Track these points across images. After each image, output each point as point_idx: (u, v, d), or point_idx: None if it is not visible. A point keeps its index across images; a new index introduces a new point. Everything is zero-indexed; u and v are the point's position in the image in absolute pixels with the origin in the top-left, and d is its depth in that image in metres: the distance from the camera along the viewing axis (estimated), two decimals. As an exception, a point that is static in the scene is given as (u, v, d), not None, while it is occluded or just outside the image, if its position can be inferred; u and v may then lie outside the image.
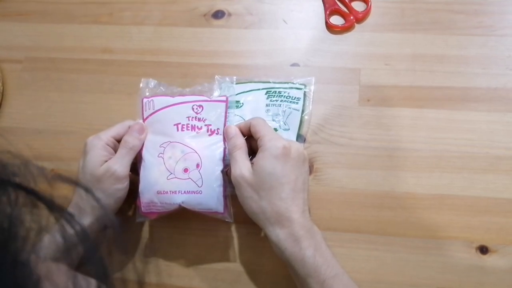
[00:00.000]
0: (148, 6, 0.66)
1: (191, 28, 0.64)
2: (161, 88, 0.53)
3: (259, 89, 0.57)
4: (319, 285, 0.41)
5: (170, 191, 0.48)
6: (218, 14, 0.64)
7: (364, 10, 0.61)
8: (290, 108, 0.55)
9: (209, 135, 0.50)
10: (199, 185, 0.48)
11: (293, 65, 0.60)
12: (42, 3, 0.68)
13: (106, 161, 0.47)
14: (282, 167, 0.43)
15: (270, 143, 0.44)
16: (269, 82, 0.58)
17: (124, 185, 0.47)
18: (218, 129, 0.50)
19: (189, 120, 0.49)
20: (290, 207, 0.43)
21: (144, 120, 0.51)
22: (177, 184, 0.48)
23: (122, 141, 0.48)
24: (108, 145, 0.48)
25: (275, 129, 0.54)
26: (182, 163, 0.48)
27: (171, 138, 0.49)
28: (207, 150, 0.49)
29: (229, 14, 0.64)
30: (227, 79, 0.58)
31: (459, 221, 0.50)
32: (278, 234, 0.42)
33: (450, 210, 0.51)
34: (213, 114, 0.50)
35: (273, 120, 0.55)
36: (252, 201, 0.44)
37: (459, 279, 0.48)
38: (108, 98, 0.60)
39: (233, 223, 0.53)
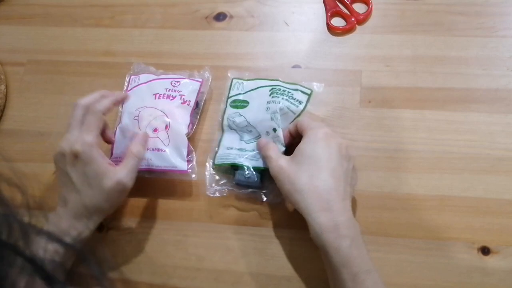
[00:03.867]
0: (149, 9, 0.66)
1: (192, 31, 0.64)
2: (149, 69, 0.60)
3: (265, 86, 0.56)
4: (351, 277, 0.41)
5: None
6: (220, 17, 0.65)
7: (365, 12, 0.61)
8: (289, 109, 0.53)
9: (181, 103, 0.56)
10: (166, 144, 0.53)
11: (295, 67, 0.60)
12: (44, 7, 0.68)
13: (105, 169, 0.46)
14: (322, 151, 0.45)
15: (311, 131, 0.47)
16: (278, 80, 0.56)
17: (127, 192, 0.48)
18: (189, 101, 0.56)
19: (166, 91, 0.56)
20: (330, 191, 0.43)
21: (127, 91, 0.58)
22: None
23: (129, 152, 0.48)
24: (98, 145, 0.47)
25: (274, 129, 0.52)
26: (152, 124, 0.54)
27: (147, 104, 0.55)
28: (177, 115, 0.55)
29: (231, 17, 0.65)
30: (240, 74, 0.58)
31: (460, 222, 0.50)
32: (318, 217, 0.42)
33: (451, 211, 0.51)
34: (188, 88, 0.57)
35: (271, 119, 0.53)
36: (291, 185, 0.44)
37: (460, 280, 0.48)
38: (110, 100, 0.60)
39: (235, 225, 0.53)
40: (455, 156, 0.53)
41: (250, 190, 0.52)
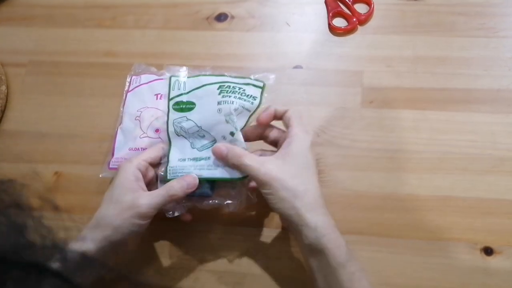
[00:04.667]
0: (151, 10, 0.67)
1: (194, 32, 0.64)
2: (150, 70, 0.59)
3: (211, 84, 0.49)
4: (349, 277, 0.40)
5: (141, 147, 0.52)
6: (221, 17, 0.65)
7: (366, 12, 0.62)
8: (243, 107, 0.47)
9: None
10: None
11: (296, 67, 0.60)
12: (46, 8, 0.68)
13: (133, 187, 0.45)
14: (312, 158, 0.45)
15: (302, 134, 0.45)
16: (224, 76, 0.49)
17: (143, 222, 0.44)
18: None
19: None
20: (321, 196, 0.43)
21: (128, 91, 0.57)
22: (147, 142, 0.52)
23: (169, 184, 0.45)
24: (139, 169, 0.46)
25: (232, 133, 0.47)
26: (154, 125, 0.53)
27: (148, 104, 0.55)
28: None
29: (232, 17, 0.65)
30: (178, 70, 0.52)
31: (462, 222, 0.50)
32: (317, 221, 0.41)
33: (453, 211, 0.51)
34: None
35: (226, 121, 0.47)
36: (287, 191, 0.42)
37: (463, 281, 0.48)
38: (111, 101, 0.60)
39: (237, 226, 0.53)
40: (457, 156, 0.53)
41: (211, 201, 0.48)
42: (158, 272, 0.52)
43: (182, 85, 0.50)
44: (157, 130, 0.53)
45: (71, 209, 0.55)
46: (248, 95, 0.48)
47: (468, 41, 0.59)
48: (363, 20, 0.61)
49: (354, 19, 0.61)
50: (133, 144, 0.53)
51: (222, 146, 0.46)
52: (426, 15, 0.61)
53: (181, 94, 0.50)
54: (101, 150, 0.58)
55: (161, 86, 0.56)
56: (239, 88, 0.48)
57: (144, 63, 0.60)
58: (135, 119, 0.55)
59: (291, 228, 0.44)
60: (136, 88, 0.57)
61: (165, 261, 0.52)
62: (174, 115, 0.49)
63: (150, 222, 0.46)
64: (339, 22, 0.62)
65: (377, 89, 0.58)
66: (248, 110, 0.47)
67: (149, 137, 0.53)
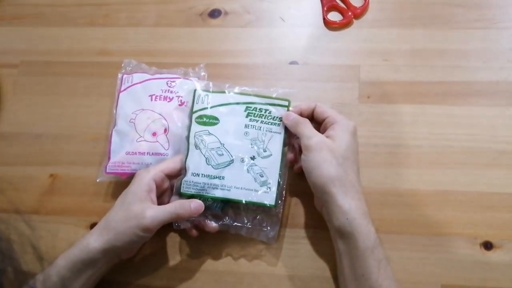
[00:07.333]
0: (144, 7, 0.65)
1: (187, 28, 0.63)
2: (141, 67, 0.58)
3: (237, 103, 0.51)
4: (376, 263, 0.41)
5: (138, 152, 0.52)
6: (215, 13, 0.64)
7: (362, 6, 0.61)
8: (271, 131, 0.50)
9: (179, 105, 0.54)
10: (166, 148, 0.52)
11: (292, 63, 0.59)
12: (37, 7, 0.67)
13: (144, 197, 0.45)
14: (355, 144, 0.47)
15: (344, 120, 0.47)
16: (249, 95, 0.51)
17: (144, 234, 0.45)
18: (187, 102, 0.54)
19: (162, 92, 0.55)
20: (358, 182, 0.45)
21: (120, 91, 0.55)
22: (145, 146, 0.52)
23: (178, 202, 0.46)
24: (154, 180, 0.47)
25: (252, 157, 0.49)
26: (151, 128, 0.53)
27: (144, 106, 0.54)
28: (175, 118, 0.53)
29: (226, 13, 0.64)
30: (203, 84, 0.53)
31: (462, 217, 0.50)
32: (351, 204, 0.43)
33: (453, 206, 0.51)
34: (185, 88, 0.55)
35: (251, 145, 0.50)
36: (331, 165, 0.44)
37: (463, 275, 0.48)
38: (105, 100, 0.59)
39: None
40: (456, 150, 0.53)
41: (220, 223, 0.49)
42: (156, 273, 0.51)
43: (206, 99, 0.51)
44: (154, 134, 0.52)
45: (67, 212, 0.55)
46: (273, 117, 0.50)
47: (467, 33, 0.58)
48: (359, 13, 0.60)
49: (350, 13, 0.60)
50: (130, 147, 0.52)
51: (291, 113, 0.49)
52: (423, 7, 0.60)
53: (204, 108, 0.51)
54: (97, 150, 0.57)
55: (155, 87, 0.55)
56: (265, 111, 0.50)
57: (135, 60, 0.59)
58: (130, 121, 0.53)
59: (323, 208, 0.46)
60: (129, 88, 0.56)
61: (164, 261, 0.52)
62: (196, 127, 0.51)
63: (150, 237, 0.46)
64: (334, 16, 0.62)
65: (375, 83, 0.57)
66: (277, 133, 0.50)
67: (146, 141, 0.52)
